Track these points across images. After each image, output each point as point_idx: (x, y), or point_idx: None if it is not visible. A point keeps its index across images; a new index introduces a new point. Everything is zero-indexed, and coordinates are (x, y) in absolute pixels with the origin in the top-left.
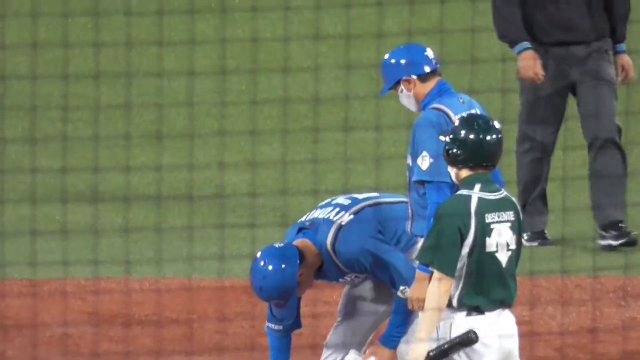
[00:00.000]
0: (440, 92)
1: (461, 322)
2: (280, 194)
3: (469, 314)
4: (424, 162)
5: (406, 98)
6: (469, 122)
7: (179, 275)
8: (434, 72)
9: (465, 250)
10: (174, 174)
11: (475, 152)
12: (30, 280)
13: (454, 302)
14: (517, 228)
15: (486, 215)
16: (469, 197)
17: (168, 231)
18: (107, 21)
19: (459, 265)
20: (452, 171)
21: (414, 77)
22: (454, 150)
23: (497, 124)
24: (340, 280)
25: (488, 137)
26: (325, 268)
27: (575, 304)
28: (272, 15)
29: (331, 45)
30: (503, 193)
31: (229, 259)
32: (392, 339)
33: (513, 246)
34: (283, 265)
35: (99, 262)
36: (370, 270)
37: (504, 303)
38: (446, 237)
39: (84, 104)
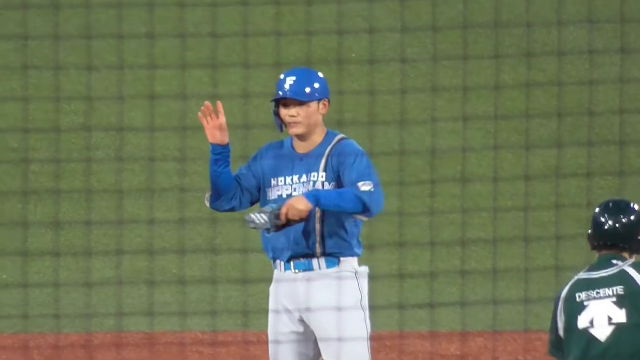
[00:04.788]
0: None
1: None
2: (396, 245)
3: None
4: None
5: None
6: (602, 205)
7: None
8: None
9: (561, 330)
10: None
11: (597, 233)
12: (147, 333)
13: None
14: (630, 302)
15: (577, 294)
16: (569, 280)
17: None
18: (223, 74)
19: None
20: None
21: None
22: (590, 233)
23: (635, 207)
24: (310, 176)
25: (610, 218)
26: (325, 141)
27: None
28: (389, 69)
29: (447, 98)
30: (613, 270)
31: None
32: (317, 197)
33: (620, 319)
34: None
35: (216, 315)
36: (347, 163)
37: None
38: (551, 322)
39: (199, 156)
